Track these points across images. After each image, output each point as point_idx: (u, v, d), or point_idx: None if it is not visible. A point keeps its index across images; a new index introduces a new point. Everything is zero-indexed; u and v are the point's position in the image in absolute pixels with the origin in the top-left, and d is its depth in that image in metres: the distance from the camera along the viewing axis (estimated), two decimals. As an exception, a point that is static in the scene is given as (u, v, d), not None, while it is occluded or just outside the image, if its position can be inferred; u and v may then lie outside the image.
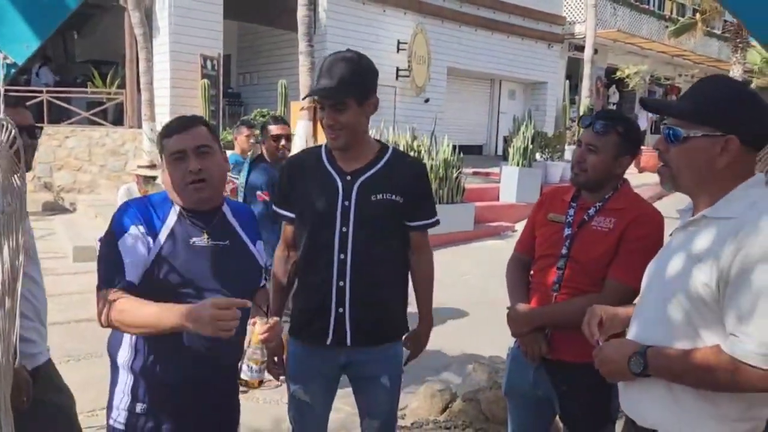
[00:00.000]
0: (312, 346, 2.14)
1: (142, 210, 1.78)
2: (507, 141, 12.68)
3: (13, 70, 1.36)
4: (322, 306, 2.09)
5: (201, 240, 1.78)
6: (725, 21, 21.01)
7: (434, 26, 14.56)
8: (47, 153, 10.72)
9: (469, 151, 11.28)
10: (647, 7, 20.59)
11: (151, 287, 1.69)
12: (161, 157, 1.83)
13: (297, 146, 10.13)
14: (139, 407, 1.74)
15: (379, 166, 2.12)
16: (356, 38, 12.96)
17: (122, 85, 11.90)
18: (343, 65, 2.01)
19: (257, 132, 6.08)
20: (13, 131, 1.27)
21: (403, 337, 2.27)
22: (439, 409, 3.78)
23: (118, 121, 12.14)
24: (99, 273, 1.72)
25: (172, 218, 1.79)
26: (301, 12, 9.19)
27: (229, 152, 4.86)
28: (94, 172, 11.18)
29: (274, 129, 4.35)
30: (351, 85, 1.99)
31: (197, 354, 1.75)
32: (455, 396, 3.81)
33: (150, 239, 1.73)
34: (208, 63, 11.43)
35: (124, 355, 1.77)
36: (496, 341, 4.49)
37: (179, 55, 11.26)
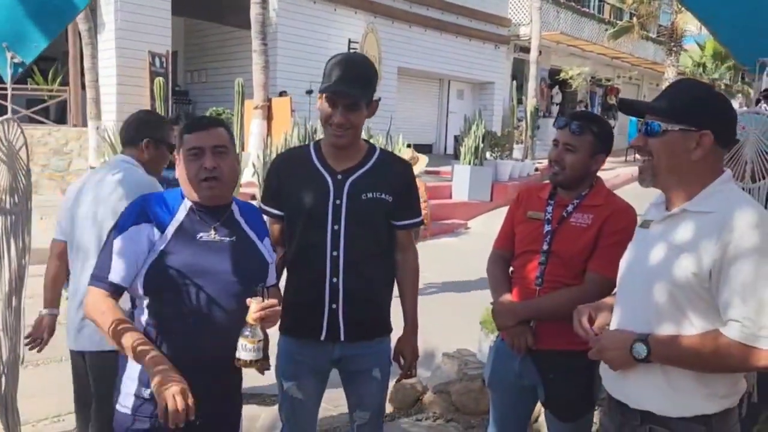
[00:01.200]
0: (305, 341, 2.17)
1: (153, 204, 1.83)
2: (458, 140, 12.90)
3: (20, 69, 1.35)
4: (315, 302, 2.13)
5: (208, 235, 1.83)
6: (660, 25, 22.01)
7: (385, 26, 14.67)
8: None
9: (419, 150, 11.34)
10: (588, 10, 21.30)
11: (157, 280, 1.75)
12: (179, 151, 1.87)
13: (252, 145, 10.05)
14: (146, 392, 1.75)
15: (368, 165, 2.17)
16: (307, 37, 12.94)
17: (65, 83, 11.48)
18: (359, 66, 2.07)
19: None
20: (21, 131, 1.26)
21: (393, 345, 2.30)
22: (411, 401, 3.87)
23: (60, 119, 11.71)
24: (96, 263, 1.81)
25: (181, 213, 1.85)
26: (255, 10, 9.12)
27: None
28: (36, 172, 10.74)
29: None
30: (366, 86, 2.05)
31: (206, 340, 1.79)
32: (426, 389, 3.90)
33: (157, 234, 1.78)
34: (156, 60, 11.18)
35: None
36: (460, 334, 4.62)
37: (126, 51, 10.96)
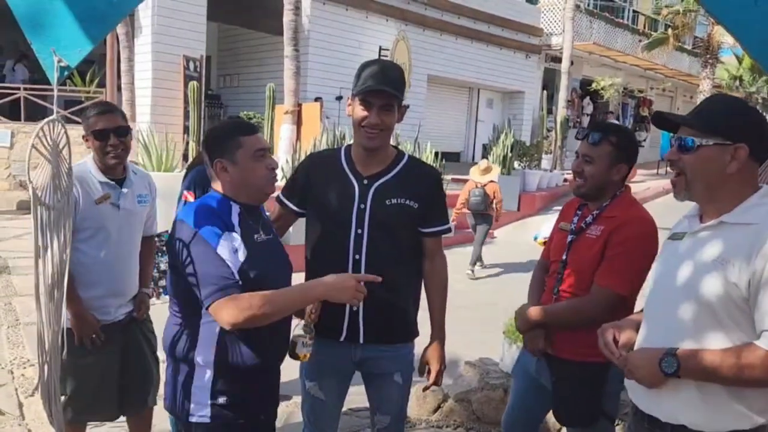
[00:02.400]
0: (325, 341, 2.20)
1: (215, 214, 1.81)
2: (486, 149, 12.87)
3: (66, 73, 1.42)
4: (336, 304, 2.15)
5: (260, 236, 1.89)
6: (696, 37, 21.64)
7: (416, 34, 14.73)
8: (23, 151, 10.55)
9: (447, 158, 11.43)
10: (622, 21, 21.07)
11: (244, 286, 1.77)
12: (234, 153, 1.84)
13: (282, 150, 10.17)
14: (222, 399, 1.83)
15: (395, 171, 2.20)
16: (339, 44, 13.07)
17: (102, 85, 11.76)
18: (391, 69, 2.13)
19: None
20: (65, 131, 1.32)
21: (414, 351, 2.31)
22: (431, 409, 3.87)
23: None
24: (207, 284, 1.72)
25: (236, 219, 1.85)
26: (288, 17, 9.24)
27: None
28: (72, 172, 11.02)
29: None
30: (399, 88, 2.10)
31: (278, 341, 1.91)
32: (447, 396, 3.90)
33: (237, 242, 1.79)
34: (191, 64, 11.39)
35: (207, 354, 1.83)
36: (484, 343, 4.61)
37: (161, 55, 11.20)
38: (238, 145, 1.84)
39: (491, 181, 8.43)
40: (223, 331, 1.79)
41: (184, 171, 3.97)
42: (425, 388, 2.36)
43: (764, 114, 1.60)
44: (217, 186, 1.89)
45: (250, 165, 1.84)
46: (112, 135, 2.57)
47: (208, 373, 1.82)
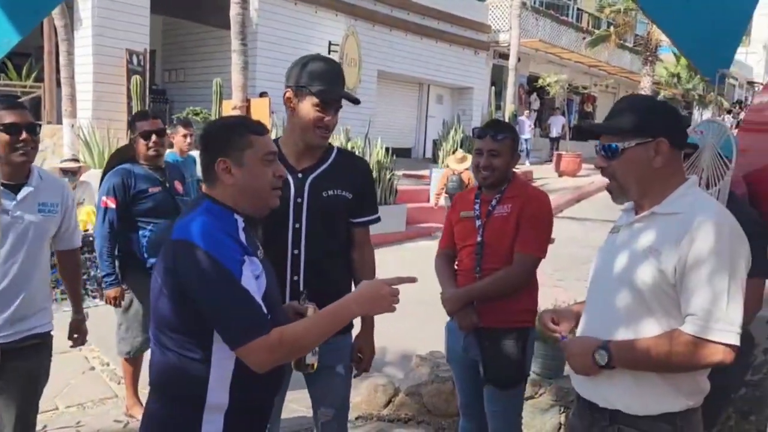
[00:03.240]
0: None
1: (228, 234, 1.57)
2: (437, 144, 12.98)
3: (-9, 65, 1.34)
4: None
5: (260, 251, 1.70)
6: (636, 35, 22.34)
7: (365, 29, 14.70)
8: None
9: (398, 154, 11.49)
10: (566, 19, 21.57)
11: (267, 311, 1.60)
12: (241, 153, 1.62)
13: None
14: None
15: (328, 163, 2.21)
16: (288, 38, 12.92)
17: (39, 79, 11.31)
18: (339, 68, 2.16)
19: (194, 131, 5.99)
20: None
21: (352, 341, 2.32)
22: (383, 403, 3.88)
23: (34, 116, 11.49)
24: (234, 323, 1.51)
25: (242, 236, 1.62)
26: (234, 10, 9.07)
27: (166, 151, 4.77)
28: (9, 169, 10.56)
29: (143, 125, 3.55)
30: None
31: (283, 374, 1.77)
32: (398, 390, 3.91)
33: (258, 269, 1.60)
34: (134, 58, 11.06)
35: (220, 395, 1.60)
36: (434, 337, 4.64)
37: (103, 49, 10.83)
38: (247, 144, 1.63)
39: (466, 169, 9.32)
40: (239, 368, 1.57)
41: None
42: (355, 375, 2.38)
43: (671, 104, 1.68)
44: (213, 191, 1.65)
45: (258, 169, 1.63)
46: (24, 130, 2.27)
47: (219, 418, 1.60)
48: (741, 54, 31.41)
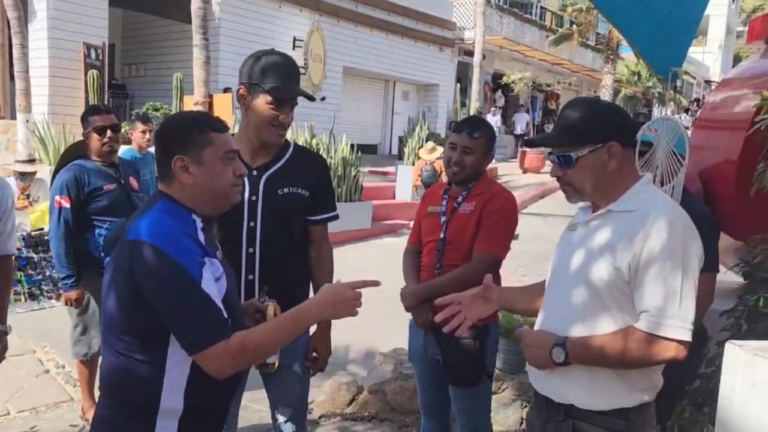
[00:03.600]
0: None
1: (187, 235, 1.52)
2: (402, 141, 13.00)
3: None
4: None
5: (219, 251, 1.65)
6: (598, 34, 22.75)
7: (330, 25, 14.60)
8: None
9: (364, 150, 11.45)
10: (530, 17, 21.82)
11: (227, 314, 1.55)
12: (200, 151, 1.57)
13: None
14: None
15: (284, 160, 2.18)
16: (251, 33, 12.76)
17: (-8, 72, 10.92)
18: (294, 65, 2.13)
19: (154, 126, 5.85)
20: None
21: (309, 340, 2.29)
22: (346, 401, 3.87)
23: (-13, 111, 11.14)
24: (193, 328, 1.46)
25: (201, 236, 1.57)
26: (195, 4, 8.91)
27: (124, 147, 4.65)
28: (-40, 166, 10.21)
29: (96, 119, 3.42)
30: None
31: (242, 376, 1.73)
32: (361, 389, 3.90)
33: (218, 270, 1.55)
34: (92, 52, 10.77)
35: (175, 400, 1.55)
36: (397, 334, 4.64)
37: (59, 42, 10.51)
38: (207, 141, 1.57)
39: (438, 158, 9.72)
40: (195, 373, 1.53)
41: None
42: (312, 375, 2.35)
43: (613, 103, 1.69)
44: (170, 189, 1.59)
45: (217, 167, 1.58)
46: None
47: (173, 423, 1.55)
48: (698, 53, 32.27)
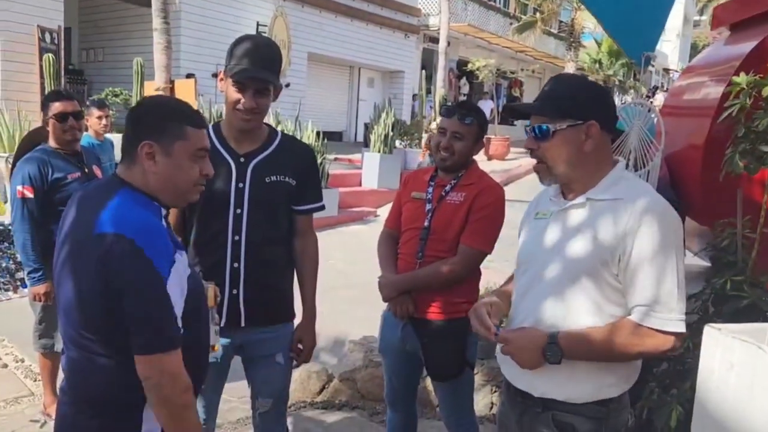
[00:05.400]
0: None
1: (157, 228, 1.47)
2: (368, 128, 12.93)
3: None
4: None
5: (178, 244, 1.58)
6: (561, 22, 22.98)
7: (294, 10, 14.41)
8: None
9: (330, 138, 11.35)
10: (494, 4, 21.89)
11: (189, 313, 1.51)
12: (171, 142, 1.50)
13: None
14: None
15: (271, 148, 2.15)
16: (214, 17, 12.51)
17: (-60, 56, 10.45)
18: (268, 49, 2.05)
19: (111, 113, 5.68)
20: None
21: (293, 331, 2.27)
22: (316, 390, 3.84)
23: (-65, 96, 10.66)
24: (148, 328, 1.42)
25: (164, 223, 1.54)
26: (155, -13, 8.66)
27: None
28: None
29: (58, 106, 3.27)
30: (275, 70, 2.03)
31: (206, 357, 1.70)
32: (332, 377, 3.89)
33: (184, 264, 1.50)
34: (47, 36, 10.39)
35: (136, 399, 1.49)
36: (366, 321, 4.64)
37: (11, 25, 10.09)
38: (182, 134, 1.51)
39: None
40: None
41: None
42: (295, 366, 2.33)
43: (604, 87, 1.68)
44: (130, 175, 1.52)
45: (185, 163, 1.52)
46: None
47: (138, 416, 1.51)
48: (657, 42, 32.81)
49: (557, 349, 1.52)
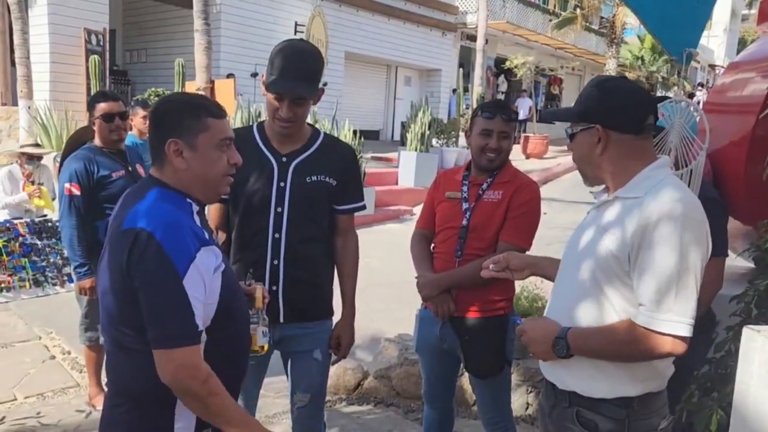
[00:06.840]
0: None
1: (184, 225, 1.48)
2: (405, 127, 12.93)
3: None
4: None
5: (213, 239, 1.60)
6: (602, 17, 22.55)
7: (332, 10, 14.50)
8: None
9: (366, 136, 11.41)
10: (533, 0, 21.62)
11: (225, 311, 1.53)
12: (195, 136, 1.52)
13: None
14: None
15: (313, 148, 2.18)
16: (253, 18, 12.69)
17: (-7, 59, 10.88)
18: (305, 58, 2.06)
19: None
20: None
21: (332, 327, 2.30)
22: (352, 386, 3.88)
23: (-12, 97, 11.11)
24: (164, 323, 1.42)
25: (196, 218, 1.54)
26: (196, -12, 8.84)
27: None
28: (-38, 153, 10.19)
29: (104, 107, 3.38)
30: (312, 80, 2.06)
31: (246, 356, 1.71)
32: (367, 374, 3.91)
33: (218, 258, 1.52)
34: (93, 38, 10.72)
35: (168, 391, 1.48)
36: (402, 319, 4.65)
37: (60, 28, 10.46)
38: (203, 127, 1.53)
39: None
40: (206, 359, 1.48)
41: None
42: (333, 362, 2.36)
43: (620, 87, 1.63)
44: (163, 174, 1.55)
45: (212, 154, 1.53)
46: None
47: (190, 414, 1.51)
48: (703, 38, 31.94)
49: (564, 344, 1.57)
